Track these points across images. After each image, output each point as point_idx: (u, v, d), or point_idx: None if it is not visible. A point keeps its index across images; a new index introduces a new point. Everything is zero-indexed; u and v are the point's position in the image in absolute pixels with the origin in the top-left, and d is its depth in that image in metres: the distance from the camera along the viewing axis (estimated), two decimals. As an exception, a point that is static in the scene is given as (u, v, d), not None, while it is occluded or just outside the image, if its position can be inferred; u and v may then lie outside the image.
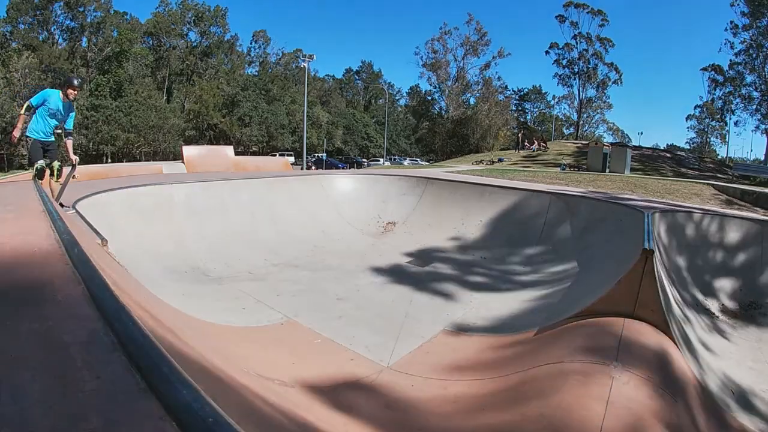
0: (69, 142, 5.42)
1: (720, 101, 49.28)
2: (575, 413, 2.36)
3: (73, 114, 5.30)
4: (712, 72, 48.68)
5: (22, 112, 4.93)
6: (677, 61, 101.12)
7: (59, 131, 5.36)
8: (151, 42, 49.68)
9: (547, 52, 55.94)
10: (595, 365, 2.84)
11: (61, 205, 4.86)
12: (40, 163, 5.00)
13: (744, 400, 3.52)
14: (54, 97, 5.01)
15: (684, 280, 5.61)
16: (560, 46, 54.99)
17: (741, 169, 24.21)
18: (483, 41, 51.30)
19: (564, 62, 55.64)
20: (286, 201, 8.33)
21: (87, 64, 43.51)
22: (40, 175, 4.99)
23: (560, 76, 56.81)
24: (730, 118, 49.64)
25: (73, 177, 5.68)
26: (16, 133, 5.00)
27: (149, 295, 3.18)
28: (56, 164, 5.11)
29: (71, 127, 5.37)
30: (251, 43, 59.17)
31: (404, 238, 8.02)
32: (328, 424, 2.50)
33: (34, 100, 4.97)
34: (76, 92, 5.19)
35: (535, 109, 68.89)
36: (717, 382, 3.57)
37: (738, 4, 39.59)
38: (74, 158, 5.40)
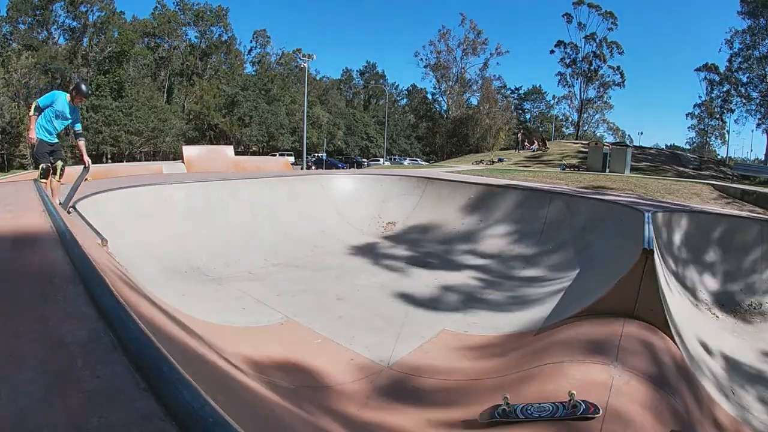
0: (81, 144, 5.51)
1: (718, 100, 49.22)
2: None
3: (78, 115, 5.36)
4: (707, 72, 48.64)
5: (32, 113, 4.97)
6: (678, 60, 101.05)
7: (64, 132, 5.40)
8: (148, 42, 49.63)
9: (552, 51, 55.79)
10: (595, 365, 2.84)
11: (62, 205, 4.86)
12: (46, 165, 5.02)
13: (742, 399, 3.52)
14: (61, 100, 5.06)
15: (684, 279, 5.61)
16: (566, 44, 54.89)
17: (741, 169, 24.18)
18: (480, 40, 51.32)
19: (568, 61, 55.56)
20: (286, 201, 8.33)
21: (87, 64, 43.49)
22: (44, 175, 5.01)
23: (562, 75, 56.79)
24: (729, 118, 49.61)
25: (86, 179, 5.71)
26: (32, 134, 5.02)
27: (149, 295, 3.18)
28: (59, 164, 5.14)
29: (80, 128, 5.44)
30: (251, 42, 59.21)
31: (404, 237, 8.02)
32: (328, 424, 2.50)
33: (41, 101, 5.01)
34: (83, 100, 5.31)
35: (535, 110, 68.90)
36: (716, 381, 3.57)
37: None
38: (87, 160, 5.46)
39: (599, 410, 2.30)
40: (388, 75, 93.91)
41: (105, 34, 44.30)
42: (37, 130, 5.02)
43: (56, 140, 5.25)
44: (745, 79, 42.77)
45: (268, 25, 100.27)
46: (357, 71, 70.36)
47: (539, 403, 2.46)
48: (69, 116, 5.20)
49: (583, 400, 2.35)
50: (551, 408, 2.39)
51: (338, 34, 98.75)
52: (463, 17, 52.89)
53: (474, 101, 52.35)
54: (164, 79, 50.39)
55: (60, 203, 4.86)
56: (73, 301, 1.43)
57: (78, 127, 5.38)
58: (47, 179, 5.04)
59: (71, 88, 5.23)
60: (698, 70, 49.59)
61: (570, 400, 2.35)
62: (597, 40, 53.69)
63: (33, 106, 4.97)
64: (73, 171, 5.89)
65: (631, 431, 2.25)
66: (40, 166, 5.00)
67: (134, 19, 49.42)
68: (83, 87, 5.21)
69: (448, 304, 4.97)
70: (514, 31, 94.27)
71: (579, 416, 2.29)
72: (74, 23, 43.90)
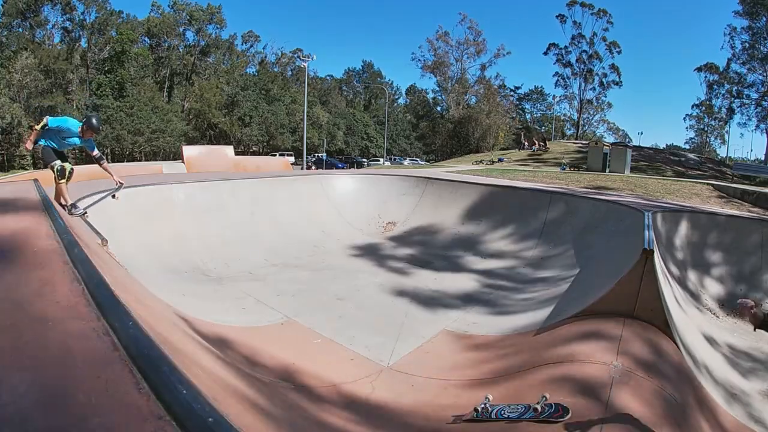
0: (105, 165, 5.43)
1: (718, 101, 49.17)
2: (575, 413, 2.36)
3: (92, 143, 5.25)
4: (707, 72, 48.54)
5: (38, 127, 4.86)
6: (678, 60, 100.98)
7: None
8: (148, 42, 49.58)
9: (545, 53, 55.98)
10: (596, 365, 2.84)
11: (71, 206, 4.82)
12: (58, 163, 4.90)
13: (744, 399, 3.52)
14: (73, 129, 4.98)
15: (684, 279, 5.61)
16: (560, 47, 55.00)
17: (741, 169, 24.10)
18: (480, 40, 51.07)
19: (564, 62, 55.60)
20: (286, 201, 8.33)
21: (86, 65, 43.49)
22: (61, 175, 4.89)
23: (560, 75, 56.86)
24: (730, 118, 49.51)
25: (113, 197, 5.67)
26: (29, 146, 4.95)
27: (149, 295, 3.18)
28: (67, 166, 5.05)
29: (98, 152, 5.34)
30: (243, 44, 58.84)
31: (404, 237, 8.02)
32: (328, 424, 2.50)
33: (52, 122, 4.90)
34: (94, 135, 5.18)
35: (536, 110, 68.90)
36: (717, 381, 3.57)
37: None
38: (117, 179, 5.42)
39: (568, 412, 2.32)
40: (388, 74, 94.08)
41: (104, 34, 44.27)
42: (42, 140, 4.93)
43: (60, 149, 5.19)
44: (750, 80, 42.64)
45: (267, 25, 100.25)
46: (355, 71, 70.37)
47: (510, 405, 2.51)
48: (77, 144, 5.12)
49: (555, 403, 2.38)
50: (521, 409, 2.45)
51: (338, 35, 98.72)
52: (463, 16, 52.49)
53: (474, 101, 52.15)
54: (164, 79, 50.34)
55: (67, 204, 4.84)
56: (73, 302, 1.43)
57: (96, 152, 5.29)
58: (65, 179, 4.94)
59: (83, 122, 5.11)
60: (698, 69, 49.51)
61: (539, 402, 2.38)
62: (590, 39, 53.73)
63: (42, 123, 4.84)
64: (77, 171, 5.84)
65: (631, 431, 2.25)
66: (54, 168, 4.85)
67: (133, 18, 49.35)
68: (94, 121, 5.05)
69: (448, 304, 4.97)
70: (514, 30, 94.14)
71: (545, 418, 2.33)
72: (69, 24, 43.87)
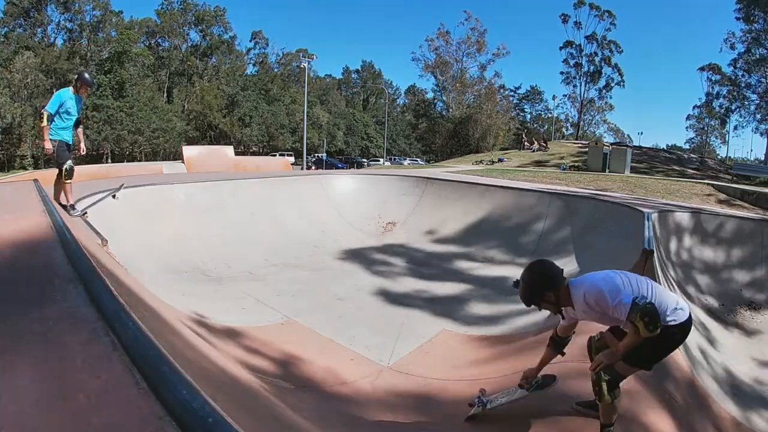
0: (80, 131, 5.36)
1: (719, 101, 49.11)
2: (575, 413, 2.36)
3: (81, 104, 5.26)
4: (710, 72, 48.57)
5: (45, 123, 4.81)
6: (678, 60, 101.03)
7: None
8: (149, 42, 49.61)
9: (561, 47, 55.66)
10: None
11: (70, 207, 4.82)
12: (69, 163, 4.87)
13: (741, 397, 3.52)
14: (67, 96, 4.96)
15: (683, 279, 5.61)
16: (573, 44, 54.78)
17: (741, 169, 24.07)
18: (482, 40, 50.87)
19: (572, 62, 55.46)
20: (286, 201, 8.33)
21: (87, 64, 43.50)
22: (69, 174, 4.87)
23: (566, 74, 56.70)
24: (729, 119, 49.48)
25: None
26: (48, 145, 4.86)
27: (149, 295, 3.18)
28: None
29: (79, 114, 5.27)
30: (250, 42, 58.95)
31: (404, 238, 8.02)
32: (328, 424, 2.50)
33: (51, 108, 4.86)
34: (88, 89, 5.17)
35: (535, 111, 68.83)
36: (716, 381, 3.57)
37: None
38: (83, 148, 5.37)
39: (554, 379, 2.49)
40: (387, 74, 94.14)
41: (103, 34, 44.31)
42: (54, 132, 4.89)
43: (71, 140, 5.15)
44: (753, 81, 42.52)
45: (266, 24, 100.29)
46: (354, 70, 70.39)
47: (501, 391, 2.61)
48: (77, 107, 5.10)
49: (542, 376, 2.52)
50: (511, 391, 2.55)
51: (337, 34, 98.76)
52: (468, 15, 52.04)
53: (473, 100, 51.96)
54: (164, 80, 50.36)
55: (68, 204, 4.84)
56: (73, 301, 1.43)
57: (78, 112, 5.24)
58: (72, 179, 4.92)
59: (75, 78, 5.11)
60: (701, 69, 49.46)
61: (529, 382, 2.51)
62: (599, 43, 53.68)
63: (45, 116, 4.79)
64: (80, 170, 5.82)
65: (630, 430, 2.25)
66: (65, 168, 4.81)
67: (131, 20, 49.33)
68: (86, 75, 5.06)
69: (448, 304, 4.97)
70: (511, 30, 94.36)
71: (535, 390, 2.46)
72: (70, 24, 43.91)
